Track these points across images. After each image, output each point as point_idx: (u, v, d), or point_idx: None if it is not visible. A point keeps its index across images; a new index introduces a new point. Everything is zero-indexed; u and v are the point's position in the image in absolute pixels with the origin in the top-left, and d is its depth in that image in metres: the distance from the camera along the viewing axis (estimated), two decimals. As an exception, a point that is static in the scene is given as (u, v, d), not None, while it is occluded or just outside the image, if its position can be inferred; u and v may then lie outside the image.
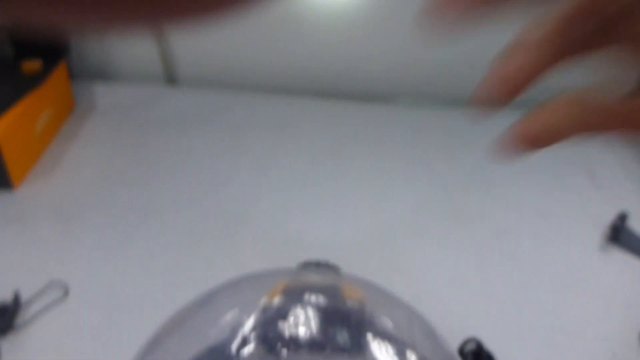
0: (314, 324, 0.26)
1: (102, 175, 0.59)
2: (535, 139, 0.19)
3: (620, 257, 0.53)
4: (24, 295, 0.45)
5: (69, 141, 0.64)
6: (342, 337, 0.25)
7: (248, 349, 0.25)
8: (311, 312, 0.26)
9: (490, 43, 0.88)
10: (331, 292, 0.32)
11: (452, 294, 0.48)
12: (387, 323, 0.27)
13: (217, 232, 0.53)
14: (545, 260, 0.52)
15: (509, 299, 0.48)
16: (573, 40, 0.18)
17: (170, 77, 0.81)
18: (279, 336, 0.25)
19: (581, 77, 0.19)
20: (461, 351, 0.39)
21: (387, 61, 0.79)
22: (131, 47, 0.79)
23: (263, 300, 0.28)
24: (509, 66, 0.18)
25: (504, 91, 0.18)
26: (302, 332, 0.25)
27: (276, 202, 0.57)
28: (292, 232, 0.53)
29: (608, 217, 0.56)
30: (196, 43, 0.79)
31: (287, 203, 0.57)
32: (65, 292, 0.46)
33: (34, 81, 0.60)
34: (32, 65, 0.62)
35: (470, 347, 0.39)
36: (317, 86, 0.82)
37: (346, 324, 0.26)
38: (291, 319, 0.26)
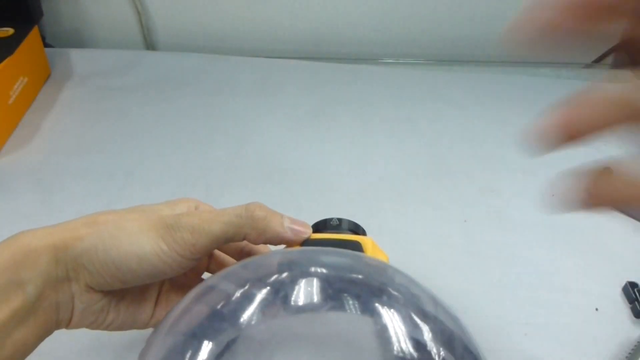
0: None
1: (81, 143, 0.58)
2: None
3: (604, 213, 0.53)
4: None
5: (45, 109, 0.63)
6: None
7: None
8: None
9: (472, 2, 0.86)
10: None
11: (437, 252, 0.48)
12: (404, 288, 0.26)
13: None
14: (530, 218, 0.52)
15: (493, 256, 0.48)
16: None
17: (148, 41, 0.79)
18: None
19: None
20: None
21: (370, 22, 0.78)
22: (107, 11, 0.77)
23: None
24: (574, 115, 0.18)
25: (560, 136, 0.18)
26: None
27: (258, 164, 0.57)
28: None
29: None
30: (173, 5, 0.77)
31: (269, 165, 0.57)
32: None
33: (6, 48, 0.58)
34: (3, 33, 0.60)
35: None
36: (297, 48, 0.81)
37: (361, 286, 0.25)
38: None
